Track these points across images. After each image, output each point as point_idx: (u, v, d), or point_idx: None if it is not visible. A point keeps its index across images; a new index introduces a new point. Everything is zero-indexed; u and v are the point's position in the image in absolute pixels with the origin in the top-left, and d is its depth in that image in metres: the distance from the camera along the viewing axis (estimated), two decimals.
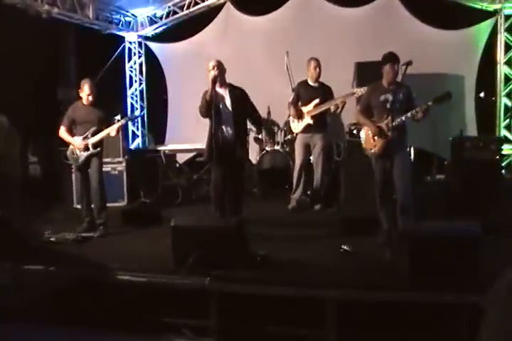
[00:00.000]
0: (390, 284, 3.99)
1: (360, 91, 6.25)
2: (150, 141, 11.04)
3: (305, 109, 6.70)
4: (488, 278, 3.80)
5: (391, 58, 4.91)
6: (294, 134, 6.95)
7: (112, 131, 5.85)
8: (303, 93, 6.77)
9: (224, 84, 5.44)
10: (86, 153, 5.86)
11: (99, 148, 5.90)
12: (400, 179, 4.92)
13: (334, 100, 6.56)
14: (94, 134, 5.85)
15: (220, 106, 5.33)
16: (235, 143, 5.37)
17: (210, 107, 5.20)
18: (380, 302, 3.83)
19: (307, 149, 6.77)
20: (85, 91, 5.87)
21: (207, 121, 5.34)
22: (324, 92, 6.70)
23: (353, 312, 3.86)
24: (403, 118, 4.82)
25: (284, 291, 4.00)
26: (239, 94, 5.47)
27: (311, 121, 6.62)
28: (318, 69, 6.71)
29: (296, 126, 6.80)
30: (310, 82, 6.81)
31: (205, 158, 5.56)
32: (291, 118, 6.93)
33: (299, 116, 6.71)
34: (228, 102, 5.38)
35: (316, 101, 6.61)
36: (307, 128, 6.71)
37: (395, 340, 3.82)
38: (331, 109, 6.58)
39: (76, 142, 5.87)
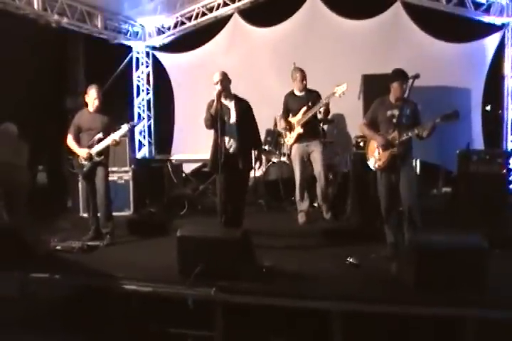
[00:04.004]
0: (395, 297, 3.97)
1: (340, 89, 6.30)
2: (156, 150, 11.06)
3: (294, 120, 6.69)
4: (493, 291, 3.82)
5: (400, 76, 4.92)
6: (289, 147, 6.88)
7: (115, 137, 5.75)
8: (291, 104, 6.76)
9: (229, 95, 5.45)
10: (91, 162, 5.83)
11: (103, 157, 5.85)
12: (407, 192, 4.90)
13: (317, 105, 6.48)
14: (99, 142, 5.80)
15: (225, 118, 5.34)
16: (238, 155, 5.38)
17: (215, 120, 5.23)
18: (385, 315, 3.81)
19: (304, 160, 6.74)
20: (91, 96, 5.85)
21: (213, 131, 5.39)
22: (312, 98, 6.63)
23: (358, 324, 3.85)
24: (409, 133, 4.79)
25: (290, 303, 3.99)
26: (244, 107, 5.47)
27: (301, 131, 6.59)
28: (305, 81, 6.67)
29: (289, 139, 6.78)
30: (297, 92, 6.77)
31: (209, 169, 5.62)
32: (283, 133, 6.89)
33: (290, 128, 6.71)
34: (233, 114, 5.40)
35: (304, 109, 6.58)
36: (300, 138, 6.66)
37: None
38: (320, 111, 6.54)
39: (81, 151, 5.85)
